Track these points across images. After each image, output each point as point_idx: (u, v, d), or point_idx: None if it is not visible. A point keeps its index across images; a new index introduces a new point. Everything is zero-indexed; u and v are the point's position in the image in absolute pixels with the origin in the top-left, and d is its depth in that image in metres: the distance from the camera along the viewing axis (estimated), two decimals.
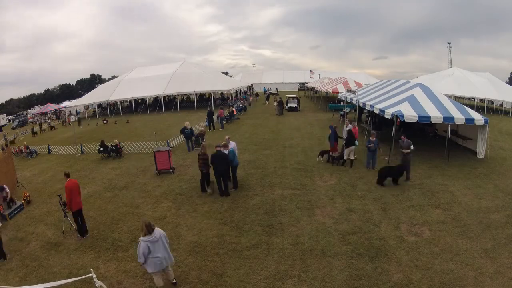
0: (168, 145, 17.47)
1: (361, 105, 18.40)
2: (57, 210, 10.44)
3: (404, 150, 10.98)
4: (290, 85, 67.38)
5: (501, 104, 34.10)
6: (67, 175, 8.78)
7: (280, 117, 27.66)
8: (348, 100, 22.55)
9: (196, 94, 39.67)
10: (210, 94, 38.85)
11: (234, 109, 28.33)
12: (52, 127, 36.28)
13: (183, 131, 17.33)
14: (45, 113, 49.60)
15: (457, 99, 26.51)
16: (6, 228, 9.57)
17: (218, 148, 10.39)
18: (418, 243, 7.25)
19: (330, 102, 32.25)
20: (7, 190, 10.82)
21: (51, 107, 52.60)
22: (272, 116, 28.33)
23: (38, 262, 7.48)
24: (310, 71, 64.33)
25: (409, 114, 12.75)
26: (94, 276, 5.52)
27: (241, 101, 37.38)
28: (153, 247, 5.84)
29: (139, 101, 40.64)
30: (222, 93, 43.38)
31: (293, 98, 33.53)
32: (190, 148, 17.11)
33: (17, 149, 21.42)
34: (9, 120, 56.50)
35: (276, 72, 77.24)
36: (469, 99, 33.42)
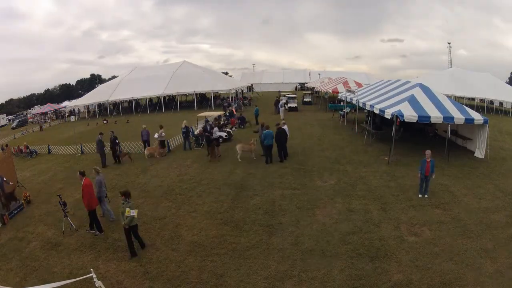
0: (168, 145, 17.49)
1: (361, 105, 18.39)
2: (57, 210, 10.43)
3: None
4: (290, 85, 67.44)
5: (501, 104, 34.11)
6: (83, 174, 8.77)
7: (280, 117, 27.62)
8: (348, 100, 22.55)
9: (196, 94, 39.68)
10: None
11: (233, 108, 28.32)
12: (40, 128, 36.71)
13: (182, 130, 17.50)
14: (45, 113, 49.57)
15: (457, 99, 26.50)
16: (6, 228, 9.57)
17: (279, 126, 13.91)
18: (418, 243, 7.25)
19: (330, 102, 32.25)
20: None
21: (51, 107, 52.56)
22: (271, 116, 28.29)
23: (38, 262, 7.48)
24: (309, 72, 64.63)
25: (409, 114, 12.75)
26: (94, 276, 5.52)
27: (241, 100, 37.42)
28: None
29: (140, 101, 40.69)
30: (204, 95, 43.49)
31: (293, 98, 33.56)
32: (185, 147, 17.29)
33: (17, 149, 21.40)
34: (9, 120, 56.48)
35: (276, 72, 77.46)
36: (469, 99, 33.42)
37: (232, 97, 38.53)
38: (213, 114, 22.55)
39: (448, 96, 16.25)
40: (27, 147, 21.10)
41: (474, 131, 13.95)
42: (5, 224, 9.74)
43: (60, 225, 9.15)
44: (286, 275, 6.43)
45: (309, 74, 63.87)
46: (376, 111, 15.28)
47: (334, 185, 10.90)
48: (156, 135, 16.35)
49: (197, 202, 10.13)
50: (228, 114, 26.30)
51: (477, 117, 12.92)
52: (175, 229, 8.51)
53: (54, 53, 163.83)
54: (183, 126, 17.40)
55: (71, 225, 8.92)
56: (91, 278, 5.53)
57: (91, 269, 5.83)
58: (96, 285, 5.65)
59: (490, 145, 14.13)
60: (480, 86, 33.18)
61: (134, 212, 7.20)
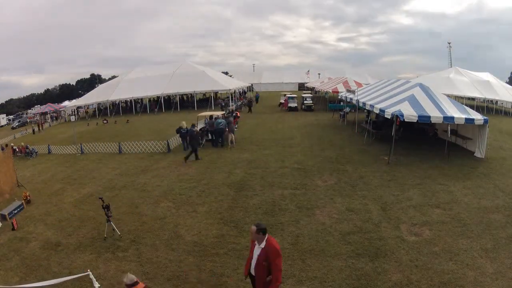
0: (168, 145, 17.48)
1: (361, 105, 18.40)
2: (57, 210, 10.45)
3: None
4: (290, 85, 67.50)
5: (499, 103, 34.10)
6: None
7: (280, 117, 27.65)
8: (348, 100, 22.57)
9: (196, 94, 39.69)
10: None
11: (237, 111, 28.16)
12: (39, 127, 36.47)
13: (178, 130, 17.38)
14: (45, 113, 49.56)
15: (457, 99, 26.51)
16: (6, 228, 9.56)
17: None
18: (418, 243, 7.24)
19: (330, 102, 32.27)
20: None
21: (51, 107, 52.53)
22: (271, 116, 28.34)
23: (38, 262, 7.48)
24: (308, 71, 64.46)
25: (409, 114, 12.75)
26: (92, 277, 5.53)
27: (241, 100, 37.47)
28: None
29: (143, 100, 40.72)
30: (204, 95, 43.61)
31: (293, 97, 33.59)
32: (186, 147, 17.13)
33: (21, 148, 21.42)
34: (9, 120, 56.42)
35: (275, 72, 77.60)
36: (469, 99, 33.41)
37: (232, 97, 38.57)
38: (213, 114, 22.52)
39: (448, 96, 16.26)
40: (26, 147, 21.12)
41: (474, 131, 13.94)
42: (14, 229, 9.44)
43: (60, 225, 9.16)
44: (286, 275, 6.42)
45: (307, 73, 63.57)
46: (376, 111, 15.28)
47: (334, 185, 10.89)
48: None
49: (197, 202, 10.12)
50: (230, 113, 26.25)
51: (477, 117, 12.91)
52: (174, 229, 8.50)
53: None
54: (184, 128, 17.27)
55: (114, 229, 8.37)
56: (91, 279, 5.54)
57: (88, 270, 5.87)
58: (95, 286, 5.67)
59: (490, 145, 14.13)
60: (480, 86, 33.19)
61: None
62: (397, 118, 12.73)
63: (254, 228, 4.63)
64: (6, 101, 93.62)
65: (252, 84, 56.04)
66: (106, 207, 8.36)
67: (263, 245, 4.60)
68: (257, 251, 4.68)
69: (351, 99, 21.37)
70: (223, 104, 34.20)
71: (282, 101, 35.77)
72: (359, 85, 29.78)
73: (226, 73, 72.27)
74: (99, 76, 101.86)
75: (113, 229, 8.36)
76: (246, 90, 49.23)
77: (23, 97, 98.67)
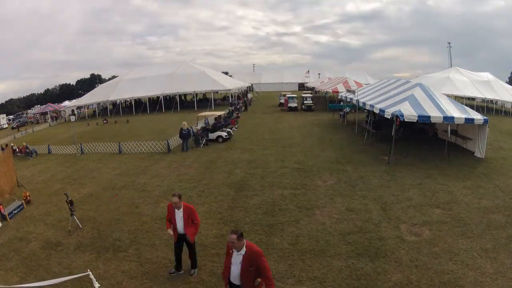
0: (168, 145, 17.47)
1: (361, 105, 18.40)
2: (57, 210, 10.46)
3: None
4: (290, 85, 67.57)
5: (499, 103, 34.10)
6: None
7: (280, 117, 27.66)
8: (348, 100, 22.57)
9: (196, 94, 39.71)
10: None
11: (237, 113, 28.05)
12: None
13: (181, 131, 17.27)
14: (45, 113, 49.56)
15: (457, 99, 26.49)
16: (6, 228, 9.56)
17: None
18: (418, 243, 7.24)
19: (330, 102, 32.28)
20: None
21: (51, 107, 52.50)
22: (271, 115, 28.34)
23: (38, 262, 7.48)
24: (308, 71, 64.42)
25: (409, 113, 12.75)
26: (92, 277, 5.53)
27: (241, 100, 37.49)
28: None
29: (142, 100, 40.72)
30: (204, 95, 43.78)
31: (293, 97, 33.60)
32: (184, 148, 17.09)
33: (21, 148, 21.41)
34: (9, 120, 56.41)
35: (275, 72, 77.71)
36: (469, 99, 33.41)
37: (232, 97, 38.61)
38: (213, 114, 22.58)
39: (448, 96, 16.27)
40: (26, 147, 21.13)
41: (474, 131, 13.94)
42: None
43: (60, 225, 9.16)
44: (285, 275, 6.43)
45: (307, 73, 63.49)
46: (376, 111, 15.28)
47: (334, 185, 10.89)
48: None
49: (196, 202, 10.11)
50: (228, 113, 26.26)
51: (477, 117, 12.92)
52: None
53: None
54: (185, 128, 17.19)
55: (78, 224, 8.81)
56: (91, 279, 5.54)
57: (88, 270, 5.85)
58: (95, 286, 5.67)
59: (490, 145, 14.13)
60: (480, 86, 33.19)
61: None
62: (397, 118, 12.73)
63: (234, 236, 4.26)
64: (6, 101, 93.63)
65: (252, 84, 56.01)
66: (70, 202, 8.77)
67: (243, 251, 4.35)
68: (237, 258, 4.40)
69: (351, 99, 21.37)
70: (234, 102, 34.65)
71: (282, 101, 35.85)
72: (359, 85, 29.80)
73: (226, 73, 72.31)
74: (99, 76, 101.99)
75: (77, 224, 8.74)
76: (247, 90, 49.18)
77: (23, 97, 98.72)
